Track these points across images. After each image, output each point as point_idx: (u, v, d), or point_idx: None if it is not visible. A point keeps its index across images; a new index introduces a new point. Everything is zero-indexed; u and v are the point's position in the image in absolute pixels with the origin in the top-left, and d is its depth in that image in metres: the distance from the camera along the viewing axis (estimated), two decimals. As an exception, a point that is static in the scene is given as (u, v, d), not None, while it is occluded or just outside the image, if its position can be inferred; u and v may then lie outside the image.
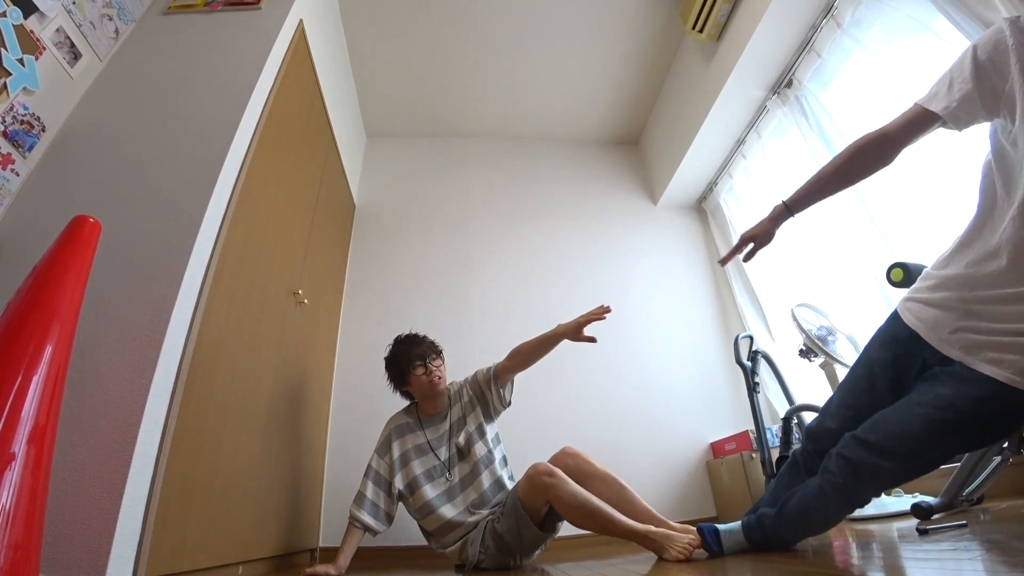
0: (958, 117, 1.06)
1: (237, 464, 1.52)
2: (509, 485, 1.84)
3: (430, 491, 1.77)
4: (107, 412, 1.11)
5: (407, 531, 2.05)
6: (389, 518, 1.81)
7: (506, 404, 1.94)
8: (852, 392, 1.23)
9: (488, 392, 1.92)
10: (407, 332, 2.00)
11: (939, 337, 1.07)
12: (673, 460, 2.71)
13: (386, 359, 1.96)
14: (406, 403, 2.02)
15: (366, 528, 1.75)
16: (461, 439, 1.84)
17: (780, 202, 1.37)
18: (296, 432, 2.07)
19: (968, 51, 1.05)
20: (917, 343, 1.12)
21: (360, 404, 2.63)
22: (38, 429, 0.78)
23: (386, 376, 1.96)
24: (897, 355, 1.16)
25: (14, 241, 1.38)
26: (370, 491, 1.79)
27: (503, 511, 1.67)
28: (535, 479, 1.54)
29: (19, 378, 0.78)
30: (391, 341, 2.00)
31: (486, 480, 1.80)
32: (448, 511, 1.74)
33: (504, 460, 1.92)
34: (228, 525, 1.45)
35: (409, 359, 1.87)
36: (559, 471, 1.53)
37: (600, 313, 1.82)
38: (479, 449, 1.84)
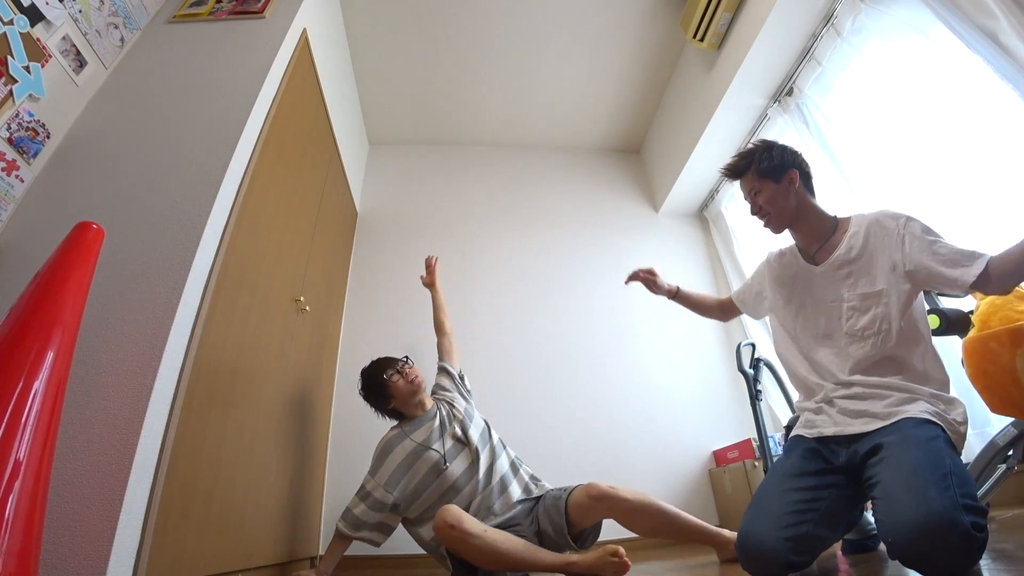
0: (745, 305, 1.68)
1: (237, 472, 1.51)
2: (540, 483, 1.88)
3: (438, 489, 1.77)
4: (107, 419, 1.10)
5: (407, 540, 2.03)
6: (391, 530, 1.83)
7: (458, 373, 2.10)
8: None
9: (445, 370, 2.09)
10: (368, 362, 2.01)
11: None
12: (675, 468, 2.69)
13: (361, 391, 1.95)
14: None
15: (373, 543, 1.80)
16: (457, 429, 1.88)
17: (676, 286, 1.91)
18: (297, 440, 2.06)
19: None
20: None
21: (361, 412, 2.58)
22: (39, 436, 0.77)
23: (370, 407, 1.95)
24: None
25: (17, 247, 1.38)
26: (357, 507, 1.80)
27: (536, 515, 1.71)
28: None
29: (20, 384, 0.78)
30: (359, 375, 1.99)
31: (486, 457, 1.83)
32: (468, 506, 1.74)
33: (501, 441, 1.95)
34: (228, 533, 1.44)
35: (380, 373, 1.90)
36: (462, 522, 1.48)
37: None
38: (473, 434, 1.87)
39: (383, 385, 1.88)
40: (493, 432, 1.95)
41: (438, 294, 2.29)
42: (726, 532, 1.58)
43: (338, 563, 1.82)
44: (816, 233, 1.39)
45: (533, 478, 1.91)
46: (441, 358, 2.16)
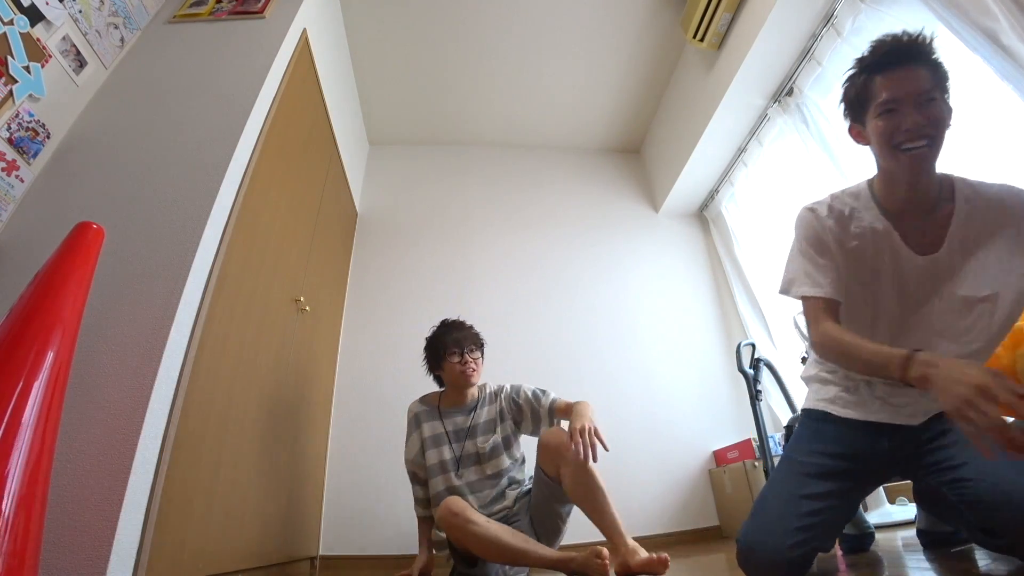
0: None
1: (237, 472, 1.51)
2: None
3: (439, 484, 1.75)
4: (108, 419, 1.10)
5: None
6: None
7: (535, 434, 1.81)
8: None
9: (533, 414, 1.82)
10: (454, 318, 1.96)
11: None
12: (675, 468, 2.69)
13: (426, 339, 1.92)
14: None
15: (424, 519, 1.80)
16: (487, 445, 1.77)
17: None
18: (297, 440, 2.06)
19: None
20: None
21: (361, 412, 2.62)
22: (38, 436, 0.77)
23: (423, 357, 1.91)
24: None
25: (17, 247, 1.38)
26: (417, 490, 1.82)
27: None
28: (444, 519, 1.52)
29: (20, 384, 0.78)
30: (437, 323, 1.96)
31: (495, 491, 1.74)
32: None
33: (519, 482, 1.81)
34: (228, 533, 1.44)
35: (446, 343, 1.83)
36: (466, 511, 1.49)
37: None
38: (501, 461, 1.76)
39: (439, 356, 1.84)
40: (516, 470, 1.82)
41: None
42: (630, 542, 1.40)
43: (340, 563, 1.81)
44: (922, 200, 1.09)
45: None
46: (555, 411, 1.80)
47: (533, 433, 1.82)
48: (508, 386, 1.91)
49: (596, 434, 1.49)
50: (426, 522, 1.79)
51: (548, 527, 1.66)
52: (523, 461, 1.87)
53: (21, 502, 0.73)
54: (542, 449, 1.62)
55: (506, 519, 1.67)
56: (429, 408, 1.88)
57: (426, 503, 1.80)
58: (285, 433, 1.94)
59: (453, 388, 1.87)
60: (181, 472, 1.21)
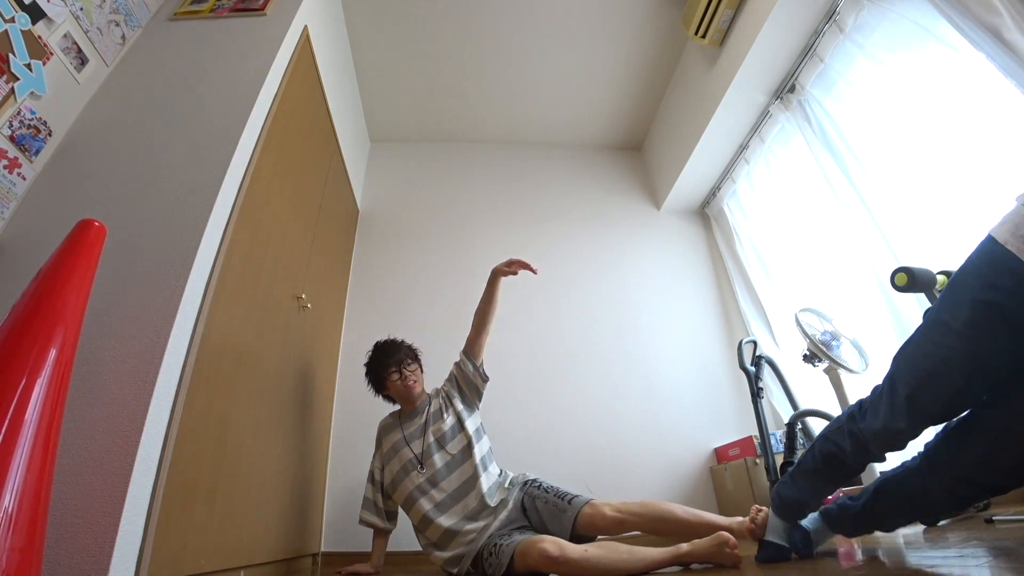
0: None
1: (239, 468, 1.52)
2: (497, 476, 1.87)
3: (408, 484, 1.80)
4: (110, 416, 1.11)
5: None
6: (390, 515, 1.91)
7: (484, 377, 2.00)
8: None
9: (464, 370, 1.98)
10: (385, 338, 2.05)
11: None
12: (676, 465, 2.69)
13: (365, 365, 2.02)
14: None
15: (371, 525, 1.87)
16: (444, 426, 1.88)
17: None
18: (299, 436, 2.07)
19: None
20: None
21: (363, 408, 2.62)
22: (41, 433, 0.78)
23: (367, 382, 2.02)
24: None
25: (20, 244, 1.38)
26: (369, 491, 1.91)
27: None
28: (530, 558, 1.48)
29: (23, 381, 0.78)
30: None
31: (468, 470, 1.80)
32: (437, 515, 1.73)
33: (490, 452, 1.94)
34: (230, 530, 1.44)
35: (386, 364, 1.94)
36: (564, 551, 1.44)
37: (529, 265, 2.04)
38: (460, 441, 1.87)
39: (381, 378, 1.96)
40: (479, 442, 1.91)
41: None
42: (725, 520, 1.58)
43: (342, 560, 1.83)
44: None
45: (492, 466, 1.91)
46: (467, 348, 2.02)
47: (478, 381, 1.98)
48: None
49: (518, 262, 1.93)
50: (376, 531, 1.89)
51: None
52: (491, 453, 1.95)
53: (24, 499, 0.73)
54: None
55: (508, 527, 1.70)
56: (391, 421, 1.99)
57: (376, 510, 1.88)
58: (287, 430, 1.94)
59: (403, 400, 1.98)
60: (183, 469, 1.21)
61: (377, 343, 2.04)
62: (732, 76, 2.58)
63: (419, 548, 1.87)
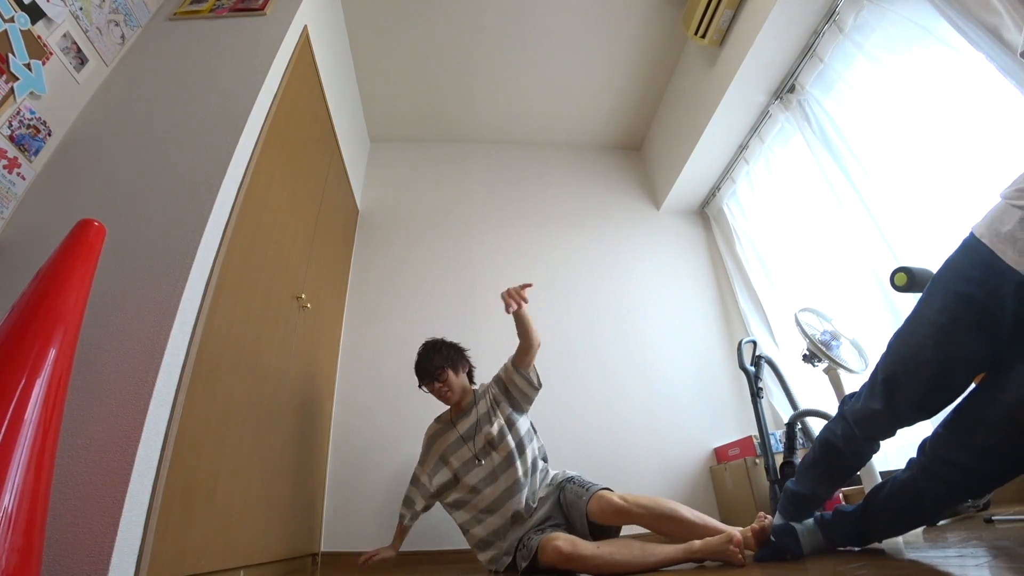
0: None
1: (239, 469, 1.52)
2: (542, 477, 1.90)
3: (472, 479, 1.85)
4: (110, 416, 1.11)
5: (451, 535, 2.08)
6: (425, 508, 1.96)
7: (537, 385, 1.98)
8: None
9: (513, 380, 1.96)
10: (430, 341, 2.06)
11: None
12: (676, 465, 2.69)
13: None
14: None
15: (403, 519, 1.92)
16: (493, 429, 1.89)
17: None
18: (298, 436, 2.07)
19: None
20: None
21: (362, 408, 2.63)
22: (41, 433, 0.78)
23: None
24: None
25: (19, 244, 1.38)
26: (412, 492, 1.96)
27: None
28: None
29: (23, 381, 0.78)
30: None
31: (520, 468, 1.83)
32: (484, 517, 1.80)
33: (541, 452, 1.97)
34: (230, 530, 1.44)
35: (420, 377, 2.00)
36: (578, 548, 1.50)
37: (517, 294, 1.92)
38: (511, 440, 1.88)
39: (421, 385, 2.01)
40: (530, 443, 1.94)
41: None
42: (730, 529, 1.58)
43: (342, 559, 1.83)
44: None
45: (540, 468, 1.94)
46: (514, 362, 2.00)
47: (529, 389, 1.96)
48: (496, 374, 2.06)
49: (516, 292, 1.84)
50: (405, 528, 1.93)
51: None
52: (543, 452, 2.00)
53: (24, 498, 0.73)
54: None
55: (544, 524, 1.74)
56: (442, 424, 2.01)
57: (410, 504, 1.93)
58: (286, 430, 1.94)
59: (447, 404, 2.02)
60: (183, 469, 1.21)
61: (421, 347, 2.04)
62: (732, 76, 2.58)
63: (442, 548, 1.97)
